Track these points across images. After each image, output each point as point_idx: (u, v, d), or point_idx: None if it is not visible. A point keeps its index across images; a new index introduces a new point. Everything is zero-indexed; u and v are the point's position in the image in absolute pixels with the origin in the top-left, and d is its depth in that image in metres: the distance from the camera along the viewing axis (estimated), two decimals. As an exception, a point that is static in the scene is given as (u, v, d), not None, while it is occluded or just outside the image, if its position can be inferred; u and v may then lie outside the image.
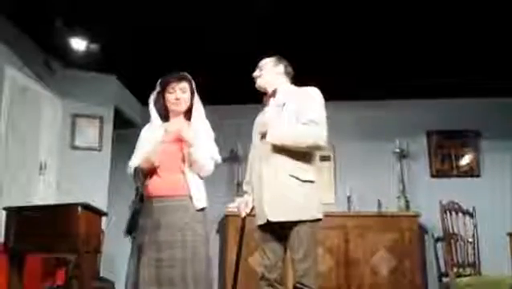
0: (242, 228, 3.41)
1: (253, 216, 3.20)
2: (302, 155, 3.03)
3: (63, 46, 5.21)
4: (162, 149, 3.10)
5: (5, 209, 4.19)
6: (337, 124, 6.82)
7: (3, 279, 4.20)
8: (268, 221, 2.98)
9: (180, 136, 3.11)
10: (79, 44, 5.20)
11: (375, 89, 6.47)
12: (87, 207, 4.14)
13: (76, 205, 4.04)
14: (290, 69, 3.34)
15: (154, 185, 3.04)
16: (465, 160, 6.76)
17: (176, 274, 2.92)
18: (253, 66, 3.37)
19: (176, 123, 3.24)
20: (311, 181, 3.03)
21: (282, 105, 3.12)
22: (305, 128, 3.00)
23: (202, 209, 3.11)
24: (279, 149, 3.01)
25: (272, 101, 3.21)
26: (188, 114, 3.27)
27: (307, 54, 5.44)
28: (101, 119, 6.08)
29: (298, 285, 2.90)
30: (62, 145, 5.89)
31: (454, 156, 6.79)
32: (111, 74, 6.20)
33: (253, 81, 3.33)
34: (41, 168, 5.57)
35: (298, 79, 5.43)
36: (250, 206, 3.30)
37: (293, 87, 3.28)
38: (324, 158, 6.92)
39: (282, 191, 2.97)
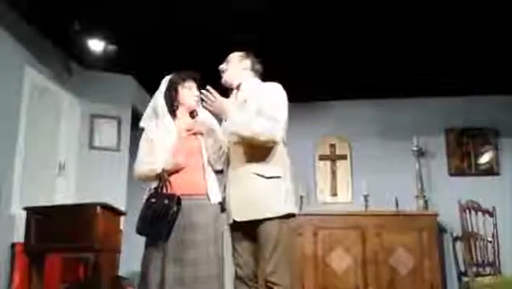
0: None
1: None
2: (265, 152, 2.94)
3: (81, 47, 5.26)
4: (180, 146, 3.12)
5: (25, 209, 4.25)
6: (354, 122, 6.89)
7: (24, 278, 4.27)
8: (234, 220, 2.95)
9: (199, 129, 3.15)
10: (96, 45, 5.25)
11: (392, 87, 6.43)
12: (105, 207, 4.19)
13: (95, 204, 4.08)
14: (258, 66, 3.23)
15: (174, 184, 3.05)
16: (485, 158, 6.68)
17: (202, 274, 2.93)
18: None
19: (184, 119, 3.26)
20: (277, 177, 2.93)
21: (243, 102, 3.05)
22: (263, 122, 2.87)
23: (218, 205, 3.14)
24: (241, 149, 2.96)
25: (236, 95, 3.16)
26: (191, 112, 3.31)
27: (324, 54, 5.46)
28: (119, 119, 6.12)
29: (268, 284, 2.85)
30: (81, 145, 5.94)
31: (473, 155, 6.71)
32: (129, 74, 6.24)
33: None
34: (60, 169, 5.63)
35: (315, 79, 5.41)
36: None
37: (258, 82, 3.18)
38: (341, 157, 6.91)
39: (246, 190, 2.91)
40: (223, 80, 3.22)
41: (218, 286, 2.98)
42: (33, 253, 4.17)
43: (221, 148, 3.15)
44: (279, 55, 5.25)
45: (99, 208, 4.05)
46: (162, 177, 3.04)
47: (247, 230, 2.97)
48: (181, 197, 2.98)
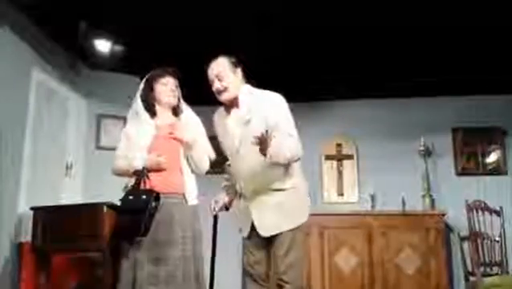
0: (215, 226, 3.38)
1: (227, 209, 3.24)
2: (280, 166, 2.91)
3: (88, 47, 5.28)
4: (158, 145, 3.11)
5: (32, 208, 4.27)
6: (360, 121, 6.87)
7: (31, 277, 4.28)
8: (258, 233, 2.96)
9: (179, 138, 3.13)
10: (103, 46, 5.26)
11: (399, 86, 6.41)
12: (112, 206, 4.19)
13: (102, 204, 4.08)
14: (243, 69, 3.10)
15: (152, 183, 3.04)
16: (492, 157, 6.64)
17: (177, 273, 2.92)
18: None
19: (166, 117, 3.26)
20: (293, 187, 2.96)
21: (246, 122, 2.93)
22: (289, 144, 2.84)
23: (196, 206, 3.14)
24: (255, 164, 2.89)
25: (235, 112, 3.02)
26: (174, 109, 3.30)
27: (331, 53, 5.45)
28: (125, 119, 6.12)
29: (279, 282, 2.88)
30: (88, 145, 5.96)
31: (480, 154, 6.68)
32: (135, 75, 6.25)
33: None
34: (67, 169, 5.64)
35: (322, 78, 5.39)
36: (221, 204, 3.25)
37: (253, 92, 3.02)
38: (347, 156, 6.90)
39: (267, 206, 2.92)
40: (224, 99, 3.03)
41: (196, 286, 2.98)
42: (40, 252, 4.18)
43: (197, 158, 3.18)
44: (285, 55, 5.26)
45: (105, 207, 4.05)
46: (142, 175, 3.03)
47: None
48: (153, 190, 2.99)
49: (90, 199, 4.90)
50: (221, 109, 3.14)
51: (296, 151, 2.87)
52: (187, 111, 3.37)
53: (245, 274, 3.09)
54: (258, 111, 2.91)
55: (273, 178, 2.92)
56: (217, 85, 3.00)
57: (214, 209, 3.28)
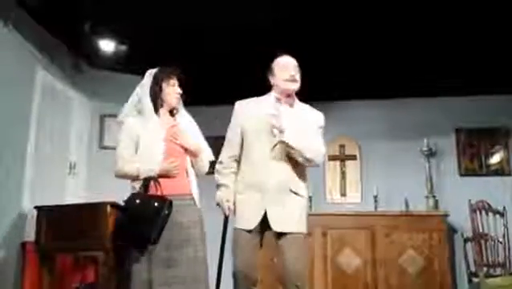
0: (225, 226, 3.31)
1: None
2: (301, 172, 3.17)
3: (92, 47, 5.29)
4: (168, 150, 3.10)
5: (36, 208, 4.28)
6: (363, 122, 6.87)
7: (35, 277, 4.29)
8: (264, 227, 3.06)
9: (184, 145, 3.12)
10: (107, 45, 5.27)
11: (402, 87, 6.40)
12: (115, 206, 4.21)
13: (105, 204, 4.10)
14: None
15: (162, 185, 3.00)
16: (495, 158, 6.63)
17: (188, 274, 2.91)
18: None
19: (166, 118, 3.23)
20: (305, 197, 3.19)
21: (300, 116, 3.23)
22: (320, 147, 3.19)
23: (201, 208, 3.15)
24: (283, 161, 3.10)
25: (287, 101, 3.26)
26: (171, 110, 3.29)
27: (335, 54, 5.45)
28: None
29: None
30: (92, 145, 5.97)
31: (484, 155, 6.67)
32: (139, 75, 6.26)
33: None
34: (71, 168, 5.65)
35: (324, 79, 5.39)
36: (232, 201, 3.20)
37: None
38: (350, 157, 6.90)
39: (285, 205, 3.06)
40: (293, 88, 3.26)
41: (203, 287, 2.98)
42: (44, 252, 4.20)
43: (203, 164, 3.23)
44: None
45: (109, 207, 4.07)
46: (154, 180, 2.99)
47: (261, 236, 3.09)
48: (166, 196, 2.96)
49: (93, 198, 4.91)
50: (251, 100, 3.32)
51: (320, 154, 3.17)
52: (181, 110, 3.33)
53: (236, 278, 3.07)
54: (307, 113, 3.31)
55: (294, 180, 3.12)
56: (296, 76, 3.26)
57: (229, 208, 3.19)
